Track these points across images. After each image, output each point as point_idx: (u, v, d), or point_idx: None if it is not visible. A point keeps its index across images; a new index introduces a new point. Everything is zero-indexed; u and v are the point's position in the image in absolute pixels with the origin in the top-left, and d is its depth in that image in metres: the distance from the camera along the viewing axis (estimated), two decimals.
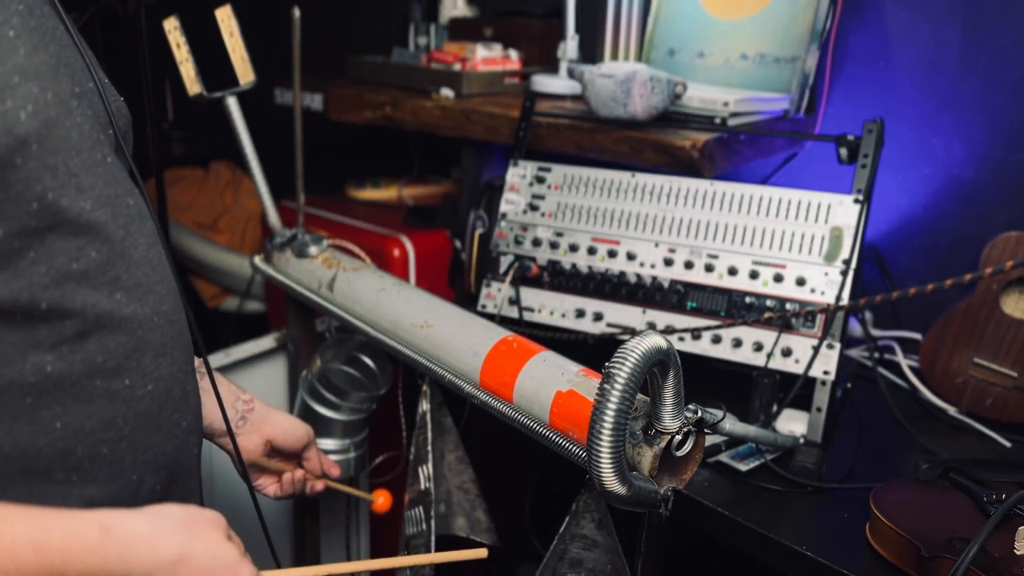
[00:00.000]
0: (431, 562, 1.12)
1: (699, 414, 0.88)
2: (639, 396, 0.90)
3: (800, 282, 1.23)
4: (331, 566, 0.85)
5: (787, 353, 1.23)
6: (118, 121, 0.76)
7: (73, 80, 0.69)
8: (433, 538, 1.19)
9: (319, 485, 1.20)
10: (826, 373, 1.20)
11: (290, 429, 1.13)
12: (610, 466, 0.80)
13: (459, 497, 1.30)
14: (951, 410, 1.33)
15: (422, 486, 1.22)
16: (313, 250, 1.39)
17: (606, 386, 0.78)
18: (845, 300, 1.20)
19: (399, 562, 1.08)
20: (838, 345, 1.20)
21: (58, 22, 0.72)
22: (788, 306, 1.24)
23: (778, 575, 1.02)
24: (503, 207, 1.48)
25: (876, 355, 1.47)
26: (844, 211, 1.23)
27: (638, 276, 1.34)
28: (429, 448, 1.22)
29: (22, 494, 0.65)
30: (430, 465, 1.21)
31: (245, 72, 1.31)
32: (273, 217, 1.45)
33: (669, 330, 1.30)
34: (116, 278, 0.70)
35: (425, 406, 1.24)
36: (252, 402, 1.09)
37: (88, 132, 0.69)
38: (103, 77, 0.76)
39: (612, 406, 0.78)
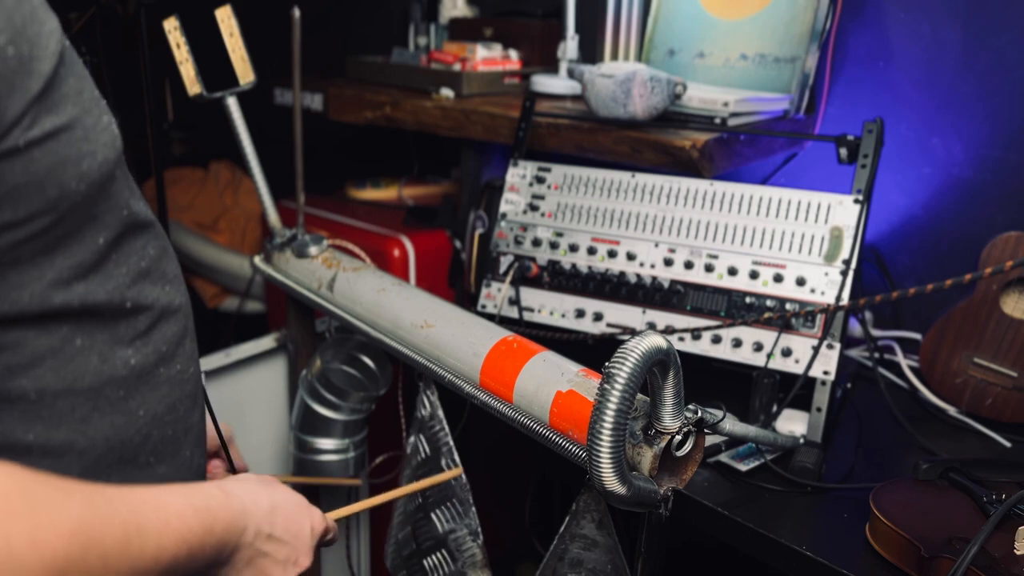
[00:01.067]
0: (417, 488, 1.17)
1: (699, 414, 0.88)
2: (639, 396, 0.90)
3: (800, 282, 1.23)
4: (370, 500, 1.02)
5: (787, 353, 1.23)
6: None
7: None
8: (479, 526, 1.19)
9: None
10: (826, 373, 1.20)
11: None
12: (610, 466, 0.80)
13: None
14: (951, 410, 1.33)
15: (451, 480, 1.22)
16: (313, 250, 1.39)
17: (606, 386, 0.78)
18: (845, 300, 1.20)
19: (402, 491, 1.11)
20: (838, 345, 1.20)
21: None
22: (788, 306, 1.24)
23: (778, 575, 1.02)
24: (503, 207, 1.48)
25: (876, 355, 1.47)
26: (844, 211, 1.23)
27: (638, 276, 1.34)
28: (450, 440, 1.21)
29: (119, 479, 0.71)
30: (456, 455, 1.21)
31: (245, 72, 1.31)
32: (273, 217, 1.45)
33: (669, 330, 1.29)
34: (164, 271, 0.75)
35: (433, 399, 1.23)
36: None
37: None
38: None
39: (612, 406, 0.78)
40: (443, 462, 1.23)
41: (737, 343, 1.26)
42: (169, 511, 0.61)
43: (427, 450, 1.27)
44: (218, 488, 0.70)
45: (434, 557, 1.26)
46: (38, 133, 0.56)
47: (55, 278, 0.62)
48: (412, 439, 1.30)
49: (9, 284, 0.60)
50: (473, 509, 1.19)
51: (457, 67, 1.75)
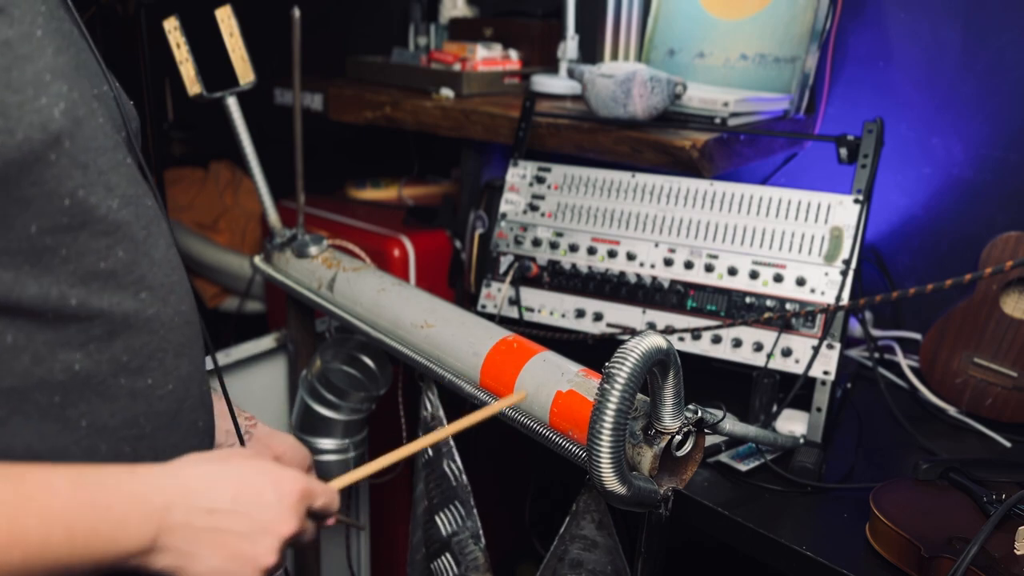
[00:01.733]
0: (486, 415, 0.95)
1: (699, 414, 0.88)
2: (639, 396, 0.90)
3: (800, 282, 1.23)
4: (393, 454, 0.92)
5: (787, 353, 1.23)
6: (130, 124, 0.77)
7: (91, 82, 0.71)
8: (480, 528, 1.18)
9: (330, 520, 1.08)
10: (826, 373, 1.20)
11: (295, 447, 1.08)
12: (610, 466, 0.80)
13: None
14: (951, 410, 1.33)
15: (453, 482, 1.22)
16: (313, 250, 1.39)
17: (606, 386, 0.78)
18: (845, 300, 1.20)
19: (463, 423, 0.93)
20: (838, 345, 1.20)
21: (73, 25, 0.72)
22: (788, 306, 1.24)
23: (778, 575, 1.02)
24: (503, 207, 1.48)
25: (876, 355, 1.47)
26: (844, 211, 1.23)
27: (638, 276, 1.34)
28: (452, 443, 1.21)
29: None
30: (458, 459, 1.21)
31: (245, 72, 1.31)
32: (273, 217, 1.45)
33: (669, 330, 1.30)
34: (141, 278, 0.72)
35: (435, 399, 1.23)
36: (253, 419, 1.08)
37: (109, 133, 0.71)
38: (115, 80, 0.77)
39: (612, 406, 0.78)
40: (444, 463, 1.24)
41: (737, 343, 1.26)
42: (38, 486, 0.57)
43: (429, 450, 1.27)
44: (126, 468, 0.65)
45: (440, 561, 1.26)
46: None
47: None
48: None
49: None
50: (475, 512, 1.19)
51: (457, 67, 1.75)
